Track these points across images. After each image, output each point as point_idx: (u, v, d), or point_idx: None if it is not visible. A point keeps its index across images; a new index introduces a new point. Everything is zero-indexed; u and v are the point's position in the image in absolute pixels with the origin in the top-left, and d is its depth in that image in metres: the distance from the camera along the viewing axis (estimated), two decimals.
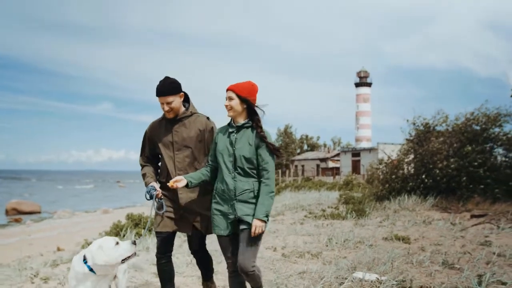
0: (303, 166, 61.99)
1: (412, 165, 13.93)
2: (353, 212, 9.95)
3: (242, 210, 3.03)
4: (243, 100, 3.08)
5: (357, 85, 64.62)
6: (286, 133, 76.91)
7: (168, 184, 3.14)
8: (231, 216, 3.06)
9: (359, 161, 48.65)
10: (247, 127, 3.13)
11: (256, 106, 3.12)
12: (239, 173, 3.07)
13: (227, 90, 3.13)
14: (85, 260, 2.85)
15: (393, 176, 13.63)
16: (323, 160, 60.23)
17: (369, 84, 64.62)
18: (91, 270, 2.82)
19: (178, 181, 3.09)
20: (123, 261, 2.87)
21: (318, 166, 59.80)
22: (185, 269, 4.94)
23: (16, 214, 31.96)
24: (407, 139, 14.61)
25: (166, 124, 3.50)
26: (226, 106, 3.11)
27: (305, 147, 78.35)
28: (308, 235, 7.25)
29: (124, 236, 7.58)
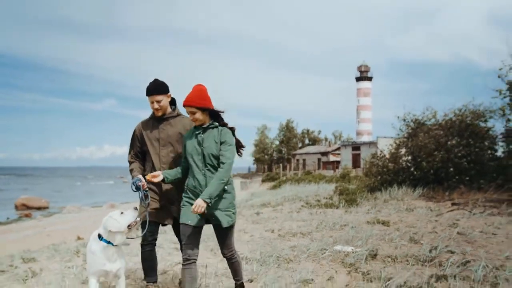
0: (304, 160, 62.98)
1: (404, 158, 14.92)
2: (345, 201, 11.01)
3: (214, 204, 3.29)
4: (203, 109, 3.37)
5: (358, 79, 65.38)
6: (287, 128, 77.94)
7: (145, 177, 3.52)
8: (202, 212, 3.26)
9: (359, 154, 49.56)
10: (212, 128, 3.42)
11: (216, 111, 3.43)
12: (209, 170, 3.35)
13: (185, 106, 3.39)
14: (100, 237, 3.26)
15: (385, 169, 14.65)
16: (324, 154, 61.19)
17: (369, 78, 65.36)
18: (108, 243, 3.24)
19: (156, 176, 3.45)
20: (129, 227, 3.27)
21: (319, 160, 60.77)
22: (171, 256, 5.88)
23: (25, 210, 33.12)
24: (398, 135, 15.69)
25: (154, 122, 3.86)
26: (192, 119, 3.42)
27: (307, 141, 79.41)
28: (302, 221, 8.32)
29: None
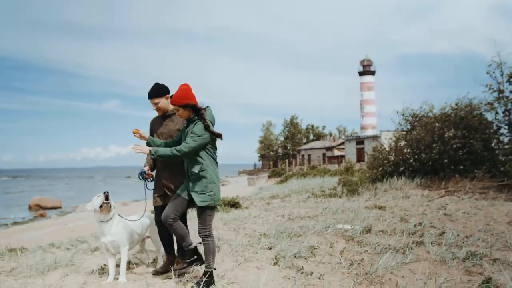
0: (309, 155, 63.95)
1: (406, 150, 15.87)
2: (347, 191, 12.06)
3: (192, 187, 3.90)
4: (185, 106, 3.92)
5: (361, 73, 66.07)
6: (292, 124, 78.97)
7: (133, 130, 4.11)
8: (188, 189, 3.94)
9: (363, 148, 50.45)
10: (193, 121, 3.96)
11: (198, 107, 3.95)
12: (190, 158, 3.93)
13: (171, 104, 4.00)
14: None
15: (385, 161, 15.64)
16: (329, 149, 62.10)
17: (372, 72, 65.99)
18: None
19: (144, 137, 4.15)
20: (100, 207, 4.03)
21: (324, 155, 61.69)
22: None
23: (39, 210, 34.33)
24: (397, 129, 16.71)
25: (160, 119, 4.48)
26: (178, 115, 4.04)
27: (311, 136, 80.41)
28: (308, 208, 9.38)
29: None
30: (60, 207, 35.89)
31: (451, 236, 5.29)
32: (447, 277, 3.85)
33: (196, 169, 3.87)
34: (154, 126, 4.53)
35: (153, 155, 3.86)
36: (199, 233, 3.91)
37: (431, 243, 5.12)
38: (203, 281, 3.77)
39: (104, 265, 4.52)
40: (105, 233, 4.13)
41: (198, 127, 3.86)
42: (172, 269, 4.16)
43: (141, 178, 4.34)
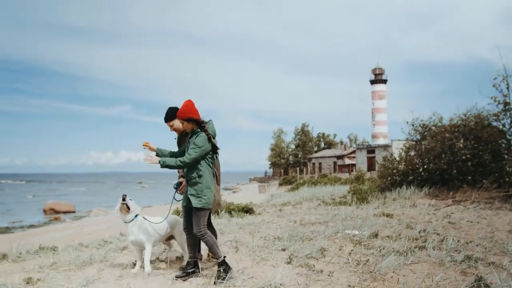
0: (320, 163, 64.21)
1: (416, 160, 16.16)
2: (357, 200, 12.47)
3: (190, 190, 4.35)
4: (187, 120, 4.37)
5: (372, 82, 66.15)
6: (303, 132, 79.41)
7: (143, 143, 4.48)
8: (187, 194, 4.40)
9: (374, 157, 50.55)
10: (195, 133, 4.37)
11: (200, 121, 4.37)
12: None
13: (176, 117, 4.49)
14: None
15: (395, 171, 15.98)
16: (340, 157, 62.32)
17: (384, 81, 66.06)
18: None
19: (151, 148, 4.49)
20: (120, 209, 4.64)
21: (335, 163, 61.91)
22: None
23: (53, 214, 35.08)
24: (407, 139, 17.06)
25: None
26: (183, 127, 4.53)
27: (322, 145, 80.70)
28: (319, 215, 9.82)
29: None
30: (74, 211, 36.54)
31: (451, 241, 5.71)
32: (443, 276, 4.29)
33: (194, 175, 4.33)
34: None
35: (161, 165, 4.28)
36: (195, 233, 4.35)
37: (433, 247, 5.54)
38: (222, 271, 4.30)
39: (136, 261, 5.03)
40: (129, 233, 4.73)
41: (199, 139, 4.29)
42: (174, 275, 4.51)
43: (175, 187, 4.90)
